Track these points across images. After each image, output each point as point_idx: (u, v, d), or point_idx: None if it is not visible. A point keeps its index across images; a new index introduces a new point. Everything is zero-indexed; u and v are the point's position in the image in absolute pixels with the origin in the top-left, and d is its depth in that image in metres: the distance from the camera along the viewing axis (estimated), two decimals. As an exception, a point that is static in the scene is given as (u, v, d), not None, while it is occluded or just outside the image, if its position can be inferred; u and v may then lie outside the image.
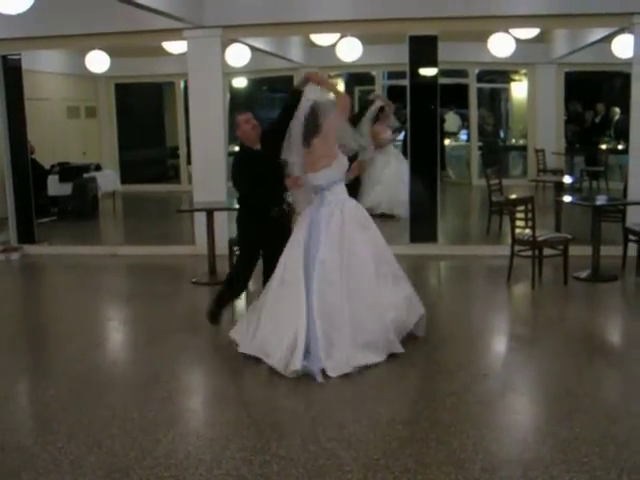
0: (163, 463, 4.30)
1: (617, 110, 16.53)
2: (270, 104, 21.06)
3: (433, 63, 10.01)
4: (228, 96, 16.16)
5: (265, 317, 5.96)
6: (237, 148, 7.44)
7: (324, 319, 5.71)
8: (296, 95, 6.49)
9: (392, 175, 12.75)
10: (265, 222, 6.60)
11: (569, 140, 16.95)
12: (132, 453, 4.43)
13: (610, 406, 5.11)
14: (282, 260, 6.08)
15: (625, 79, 12.75)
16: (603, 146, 16.22)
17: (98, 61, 12.71)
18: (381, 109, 13.11)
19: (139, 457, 4.37)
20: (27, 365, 6.33)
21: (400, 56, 10.37)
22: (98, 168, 14.56)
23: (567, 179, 12.76)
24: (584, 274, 8.53)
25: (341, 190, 6.19)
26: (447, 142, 17.98)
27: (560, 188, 11.43)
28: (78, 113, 16.43)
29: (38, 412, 5.32)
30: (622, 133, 15.09)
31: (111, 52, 12.80)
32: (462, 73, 16.63)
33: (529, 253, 8.26)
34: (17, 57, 10.85)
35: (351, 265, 5.91)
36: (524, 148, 17.26)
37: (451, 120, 18.78)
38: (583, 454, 4.28)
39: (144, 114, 18.53)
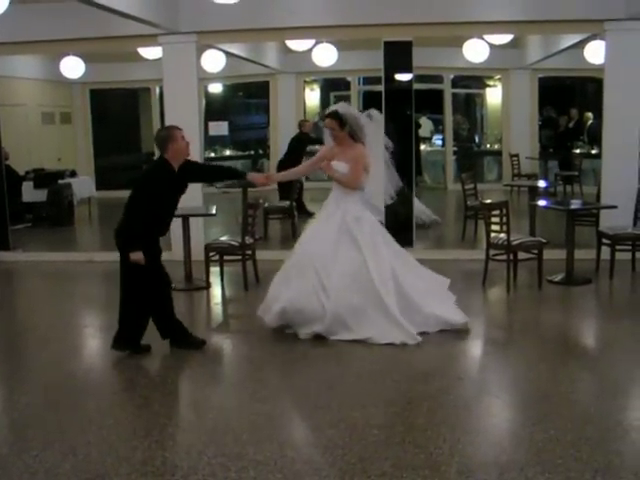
0: (139, 470, 4.28)
1: (590, 115, 16.70)
2: (246, 110, 21.06)
3: (408, 68, 10.07)
4: (204, 102, 16.18)
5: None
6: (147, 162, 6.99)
7: None
8: (239, 176, 6.93)
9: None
10: (157, 251, 6.34)
11: (543, 145, 17.10)
12: (108, 460, 4.41)
13: (584, 408, 5.16)
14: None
15: (598, 84, 12.89)
16: (577, 151, 16.38)
17: (73, 67, 12.64)
18: None
19: (115, 464, 4.35)
20: (2, 372, 6.28)
21: (375, 62, 10.44)
22: (73, 174, 14.47)
23: (541, 184, 12.85)
24: (558, 277, 8.60)
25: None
26: (422, 147, 18.08)
27: (534, 192, 11.51)
28: (53, 119, 16.35)
29: (13, 420, 5.27)
30: (595, 138, 15.30)
31: (86, 58, 12.74)
32: (437, 78, 16.73)
33: (504, 257, 8.32)
34: (-9, 63, 10.80)
35: None
36: (499, 153, 17.39)
37: (424, 125, 18.89)
38: (558, 455, 4.32)
39: (119, 120, 18.45)
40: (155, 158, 6.69)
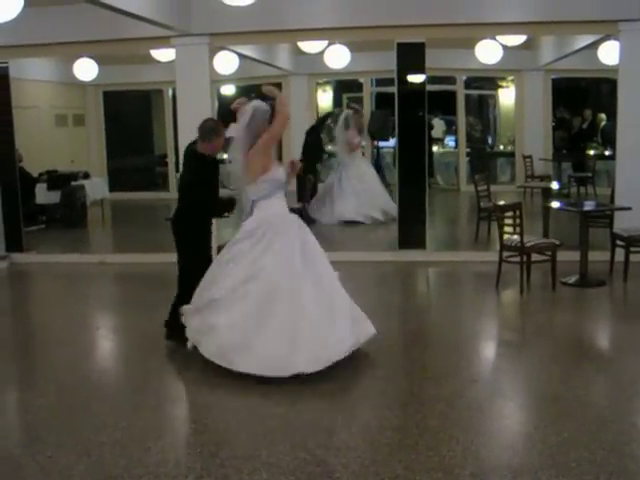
0: (153, 472, 4.29)
1: (603, 116, 16.62)
2: (258, 111, 21.04)
3: (421, 70, 10.04)
4: (216, 104, 16.20)
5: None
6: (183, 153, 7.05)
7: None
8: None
9: (365, 181, 13.14)
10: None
11: (556, 146, 17.03)
12: (122, 462, 4.41)
13: (598, 410, 5.13)
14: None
15: (612, 85, 12.84)
16: (590, 152, 16.30)
17: (86, 69, 12.69)
18: (355, 112, 13.66)
19: (129, 466, 4.36)
20: (15, 374, 6.31)
21: (388, 63, 10.41)
22: (86, 176, 14.51)
23: (555, 185, 12.81)
24: (572, 279, 8.56)
25: (272, 204, 6.10)
26: (435, 149, 18.06)
27: (548, 194, 11.47)
28: (66, 121, 16.41)
29: (27, 421, 5.30)
30: (609, 139, 15.23)
31: (99, 60, 12.79)
32: (449, 80, 16.70)
33: (517, 259, 8.28)
34: (5, 65, 10.82)
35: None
36: (512, 154, 17.33)
37: (436, 126, 18.87)
38: (572, 459, 4.30)
39: (132, 122, 18.51)
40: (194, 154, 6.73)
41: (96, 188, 14.49)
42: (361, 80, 16.96)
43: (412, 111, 10.09)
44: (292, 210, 6.49)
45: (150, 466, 4.35)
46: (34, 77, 14.35)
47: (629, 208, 8.83)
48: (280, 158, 16.70)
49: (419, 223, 10.18)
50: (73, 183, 13.79)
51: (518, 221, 8.22)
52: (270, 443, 4.61)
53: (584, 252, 8.53)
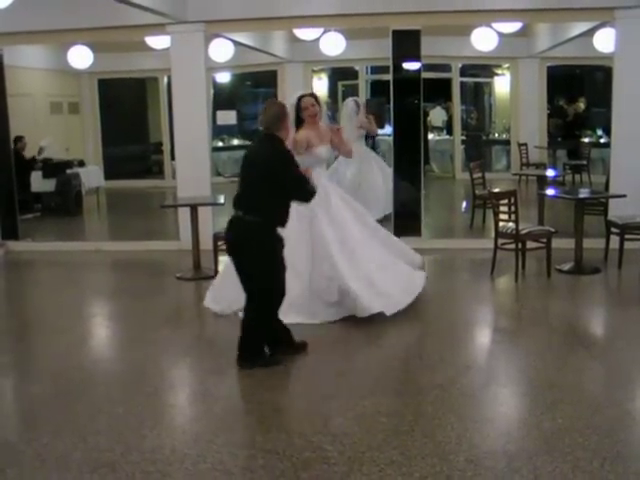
0: (149, 458, 4.30)
1: (582, 105, 16.68)
2: (254, 99, 21.03)
3: (416, 57, 10.03)
4: (211, 91, 16.17)
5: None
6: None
7: None
8: None
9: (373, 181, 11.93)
10: None
11: (552, 134, 17.04)
12: (118, 448, 4.43)
13: (593, 397, 5.16)
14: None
15: (607, 73, 12.84)
16: (585, 140, 16.32)
17: (81, 56, 12.61)
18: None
19: (125, 452, 4.37)
20: (11, 362, 6.30)
21: (383, 51, 10.39)
22: (82, 164, 14.49)
23: (550, 173, 12.82)
24: (567, 267, 8.58)
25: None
26: (431, 136, 18.03)
27: (543, 182, 11.48)
28: (61, 109, 16.35)
29: (23, 409, 5.31)
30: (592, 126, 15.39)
31: (94, 47, 12.72)
32: (445, 67, 16.67)
33: (512, 246, 8.31)
34: (-1, 53, 10.80)
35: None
36: (507, 142, 17.33)
37: (437, 115, 18.82)
38: (566, 444, 4.32)
39: (127, 110, 18.45)
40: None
41: (91, 176, 14.46)
42: (356, 68, 16.93)
43: (407, 99, 10.09)
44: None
45: (146, 452, 4.37)
46: (29, 65, 14.30)
47: (624, 195, 8.86)
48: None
49: (414, 210, 10.19)
50: (68, 171, 13.76)
51: (513, 208, 8.23)
52: (266, 430, 4.63)
53: (579, 239, 8.55)
